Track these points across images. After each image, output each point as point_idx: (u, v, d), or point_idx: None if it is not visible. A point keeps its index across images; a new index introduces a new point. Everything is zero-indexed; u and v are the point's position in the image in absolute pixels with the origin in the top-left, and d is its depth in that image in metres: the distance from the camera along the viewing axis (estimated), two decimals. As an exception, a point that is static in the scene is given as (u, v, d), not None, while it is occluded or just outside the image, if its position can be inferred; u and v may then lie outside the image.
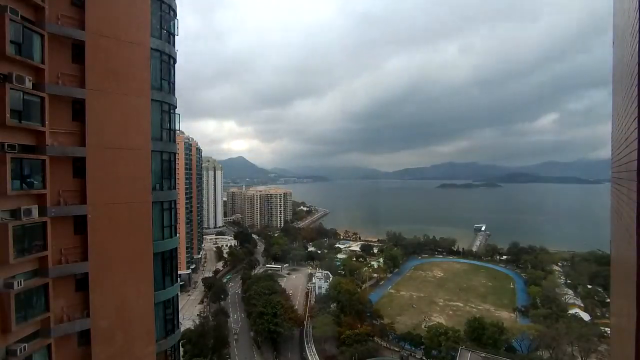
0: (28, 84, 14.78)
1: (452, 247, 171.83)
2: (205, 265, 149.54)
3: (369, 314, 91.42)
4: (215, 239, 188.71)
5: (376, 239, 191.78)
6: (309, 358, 74.94)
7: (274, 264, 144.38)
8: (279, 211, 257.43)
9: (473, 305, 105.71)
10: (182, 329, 48.33)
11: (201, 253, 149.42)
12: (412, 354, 76.84)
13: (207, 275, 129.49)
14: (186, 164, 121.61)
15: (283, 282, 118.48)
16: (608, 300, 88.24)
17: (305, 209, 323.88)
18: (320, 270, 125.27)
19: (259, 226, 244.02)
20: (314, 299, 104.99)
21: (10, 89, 13.85)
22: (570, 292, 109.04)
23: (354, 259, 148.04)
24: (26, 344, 14.54)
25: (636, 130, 7.18)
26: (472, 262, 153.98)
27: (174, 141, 22.18)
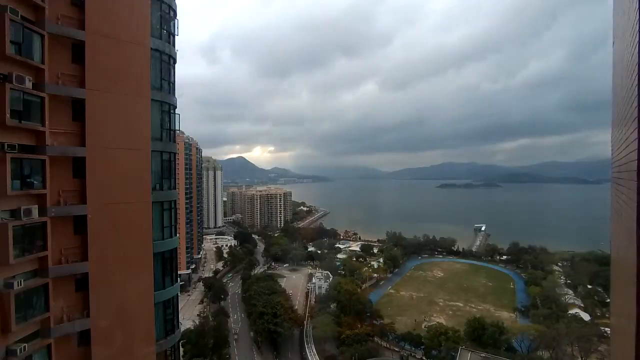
0: (28, 84, 14.78)
1: (452, 247, 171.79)
2: (205, 265, 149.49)
3: (369, 314, 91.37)
4: (215, 239, 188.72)
5: (376, 239, 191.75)
6: (309, 358, 74.92)
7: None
8: (279, 211, 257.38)
9: (473, 305, 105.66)
10: (182, 329, 48.27)
11: (201, 253, 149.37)
12: (412, 354, 76.82)
13: (207, 275, 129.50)
14: (186, 164, 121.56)
15: (283, 282, 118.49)
16: (608, 300, 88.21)
17: (305, 209, 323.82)
18: (320, 270, 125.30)
19: (259, 226, 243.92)
20: (314, 299, 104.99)
21: (10, 89, 13.84)
22: (570, 292, 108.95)
23: (354, 259, 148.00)
24: (26, 344, 14.54)
25: (636, 130, 7.17)
26: (472, 262, 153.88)
27: (174, 141, 22.18)
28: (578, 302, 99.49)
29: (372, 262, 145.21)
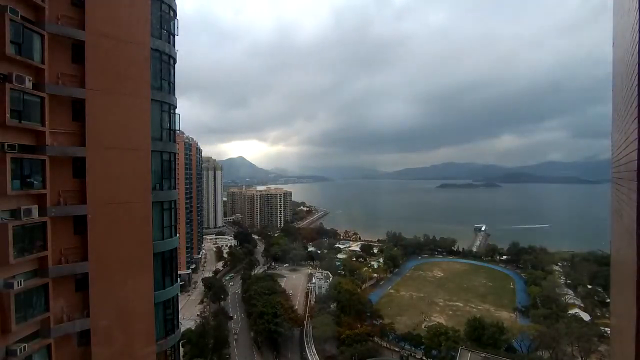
0: (28, 84, 14.78)
1: (452, 247, 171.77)
2: (205, 265, 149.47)
3: (369, 314, 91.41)
4: (215, 239, 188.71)
5: (376, 239, 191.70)
6: (309, 358, 74.93)
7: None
8: (279, 211, 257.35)
9: (473, 305, 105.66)
10: (182, 329, 48.27)
11: (201, 253, 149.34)
12: (412, 354, 76.82)
13: (207, 275, 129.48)
14: (186, 164, 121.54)
15: (283, 282, 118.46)
16: (608, 300, 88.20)
17: (305, 209, 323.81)
18: (320, 270, 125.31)
19: (259, 226, 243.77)
20: (314, 299, 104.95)
21: (10, 89, 13.85)
22: (570, 292, 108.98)
23: (354, 259, 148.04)
24: (26, 344, 14.54)
25: (636, 130, 7.17)
26: (472, 262, 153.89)
27: (174, 141, 22.19)
28: (578, 302, 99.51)
29: (372, 262, 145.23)
